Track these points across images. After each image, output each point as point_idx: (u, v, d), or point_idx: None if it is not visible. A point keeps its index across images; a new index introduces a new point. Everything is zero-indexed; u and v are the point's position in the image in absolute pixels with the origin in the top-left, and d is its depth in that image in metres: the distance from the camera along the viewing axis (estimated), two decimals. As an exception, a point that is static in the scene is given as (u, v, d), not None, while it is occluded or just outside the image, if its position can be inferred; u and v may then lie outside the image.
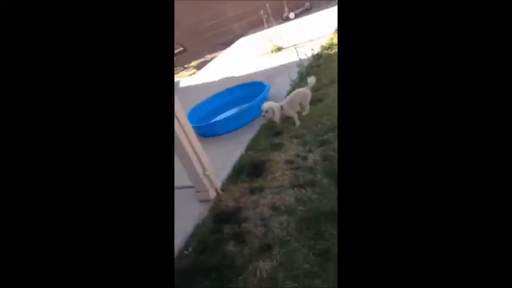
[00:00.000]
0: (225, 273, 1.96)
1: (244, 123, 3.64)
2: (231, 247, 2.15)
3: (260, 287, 1.80)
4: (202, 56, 9.06)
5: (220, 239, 2.25)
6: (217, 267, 2.02)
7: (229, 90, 4.56)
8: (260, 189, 2.58)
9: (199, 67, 8.21)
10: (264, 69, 5.32)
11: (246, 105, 3.78)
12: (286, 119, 3.39)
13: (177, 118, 2.45)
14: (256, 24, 9.31)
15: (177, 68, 8.69)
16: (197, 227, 2.46)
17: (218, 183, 2.73)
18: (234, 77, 5.66)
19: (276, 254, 1.96)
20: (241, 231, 2.24)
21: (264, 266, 1.91)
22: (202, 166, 2.60)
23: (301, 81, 4.12)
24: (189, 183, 2.80)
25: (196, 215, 2.57)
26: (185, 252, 2.26)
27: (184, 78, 7.38)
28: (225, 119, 3.70)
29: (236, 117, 3.65)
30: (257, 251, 2.04)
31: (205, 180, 2.62)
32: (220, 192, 2.71)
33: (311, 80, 3.37)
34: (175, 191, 2.92)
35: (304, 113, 3.35)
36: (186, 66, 8.80)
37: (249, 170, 2.84)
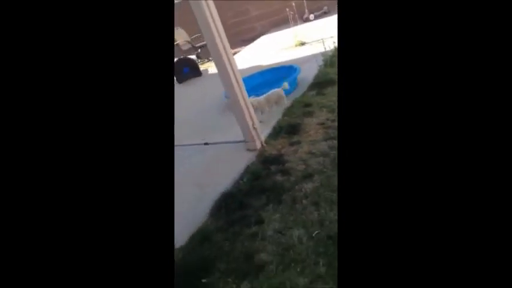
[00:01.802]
0: (277, 192, 2.54)
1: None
2: (278, 177, 2.73)
3: (306, 198, 2.38)
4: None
5: (269, 173, 2.83)
6: (270, 189, 2.60)
7: (260, 74, 5.15)
8: (298, 143, 3.17)
9: (223, 59, 8.83)
10: (290, 59, 5.92)
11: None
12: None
13: (237, 82, 3.05)
14: (277, 24, 9.96)
15: (203, 60, 9.32)
16: (248, 167, 3.04)
17: (263, 137, 3.32)
18: (261, 65, 6.25)
19: (316, 179, 2.54)
20: (286, 168, 2.82)
21: (308, 186, 2.49)
22: (251, 120, 3.19)
23: (326, 66, 4.72)
24: (238, 139, 3.40)
25: (246, 159, 3.15)
26: (241, 181, 2.84)
27: (212, 67, 7.99)
28: (262, 93, 4.28)
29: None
30: (300, 178, 2.62)
31: (253, 132, 3.21)
32: (264, 144, 3.29)
33: (284, 84, 4.00)
34: (228, 145, 3.54)
35: (281, 107, 3.95)
36: (210, 58, 9.44)
37: (287, 129, 3.44)
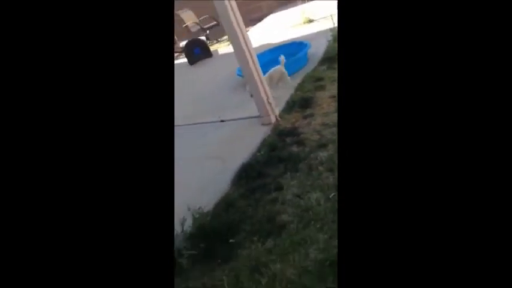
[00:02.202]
0: (293, 161, 2.69)
1: (290, 73, 4.33)
2: (294, 148, 2.87)
3: (321, 164, 2.52)
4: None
5: (284, 144, 2.98)
6: (286, 158, 2.75)
7: (270, 51, 5.22)
8: (311, 115, 3.28)
9: (232, 40, 8.85)
10: (299, 36, 5.95)
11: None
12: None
13: (251, 58, 3.15)
14: (283, 3, 9.87)
15: (211, 41, 9.34)
16: (264, 140, 3.18)
17: (277, 112, 3.45)
18: (270, 43, 6.29)
19: (330, 148, 2.68)
20: (301, 139, 2.96)
21: (322, 154, 2.63)
22: (266, 94, 3.31)
23: (335, 42, 4.76)
24: (253, 115, 3.54)
25: (262, 133, 3.30)
26: (258, 153, 3.00)
27: (222, 48, 8.05)
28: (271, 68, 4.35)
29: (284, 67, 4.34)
30: (315, 148, 2.76)
31: (267, 107, 3.34)
32: (279, 118, 3.42)
33: (281, 58, 3.89)
34: (243, 121, 3.68)
35: (287, 85, 3.90)
36: (219, 39, 9.46)
37: (300, 103, 3.55)
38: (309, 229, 1.99)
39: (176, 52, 9.39)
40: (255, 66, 3.21)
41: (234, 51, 3.22)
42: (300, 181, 2.45)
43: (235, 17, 3.00)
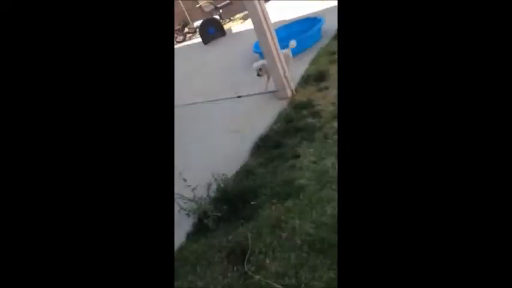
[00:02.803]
0: (309, 131, 2.81)
1: (304, 48, 4.39)
2: (310, 119, 2.99)
3: (336, 133, 2.64)
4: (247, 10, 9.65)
5: (300, 116, 3.10)
6: (303, 129, 2.88)
7: (285, 27, 5.26)
8: (326, 88, 3.38)
9: (245, 18, 8.85)
10: (313, 12, 5.94)
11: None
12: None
13: (270, 33, 3.24)
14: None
15: (224, 20, 9.36)
16: (280, 113, 3.31)
17: (292, 86, 3.55)
18: (284, 19, 6.31)
19: (345, 118, 2.78)
20: (316, 111, 3.07)
21: (337, 124, 2.74)
22: (283, 69, 3.41)
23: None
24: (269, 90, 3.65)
25: (278, 107, 3.42)
26: (274, 126, 3.13)
27: (235, 26, 8.08)
28: (286, 45, 4.43)
29: (298, 42, 4.40)
30: (330, 119, 2.87)
31: (284, 81, 3.45)
32: (295, 92, 3.53)
33: (292, 43, 3.85)
34: (260, 96, 3.80)
35: (290, 68, 3.72)
36: (232, 18, 9.47)
37: (314, 77, 3.64)
38: (325, 190, 2.14)
39: (189, 33, 9.48)
40: (273, 41, 3.30)
41: (254, 26, 3.30)
42: (316, 149, 2.58)
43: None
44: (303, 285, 1.65)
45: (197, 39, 8.32)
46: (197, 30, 9.07)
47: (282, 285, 1.69)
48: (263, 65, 3.66)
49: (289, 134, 2.91)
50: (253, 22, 3.29)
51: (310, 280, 1.66)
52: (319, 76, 3.61)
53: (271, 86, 3.62)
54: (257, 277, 1.78)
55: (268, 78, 3.74)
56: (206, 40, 7.36)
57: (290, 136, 2.88)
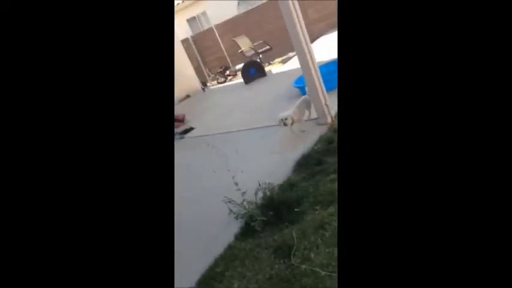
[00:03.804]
0: (350, 150, 3.03)
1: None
2: (350, 141, 3.22)
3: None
4: (285, 54, 10.35)
5: (341, 139, 3.34)
6: (343, 148, 3.11)
7: (325, 65, 5.67)
8: (365, 115, 3.63)
9: (283, 62, 9.50)
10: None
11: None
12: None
13: (313, 65, 3.63)
14: (333, 26, 10.42)
15: (264, 64, 10.07)
16: (321, 136, 3.57)
17: (332, 113, 3.84)
18: (323, 60, 6.76)
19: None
20: (356, 134, 3.30)
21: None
22: (324, 98, 3.73)
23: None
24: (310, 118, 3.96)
25: (319, 131, 3.69)
26: (315, 147, 3.38)
27: (275, 68, 8.69)
28: (326, 80, 4.79)
29: (336, 79, 4.76)
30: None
31: (325, 108, 3.75)
32: (334, 119, 3.81)
33: (308, 92, 3.95)
34: (307, 122, 4.09)
35: (312, 116, 4.01)
36: (271, 62, 10.17)
37: (354, 106, 3.92)
38: (366, 197, 2.31)
39: (230, 75, 10.24)
40: (316, 74, 3.67)
41: (298, 59, 3.70)
42: (357, 165, 2.78)
43: (301, 26, 3.51)
44: (347, 273, 1.80)
45: (238, 80, 8.98)
46: (238, 72, 9.83)
47: (327, 274, 1.84)
48: (289, 116, 3.74)
49: (330, 153, 3.14)
50: (299, 57, 3.70)
51: (354, 269, 1.80)
52: (358, 105, 3.88)
53: (312, 115, 3.93)
54: (303, 266, 1.95)
55: (292, 125, 3.82)
56: (247, 80, 7.95)
57: (330, 155, 3.11)
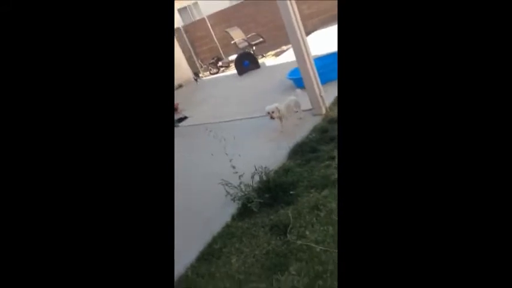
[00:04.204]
0: (343, 139, 3.19)
1: (335, 78, 4.89)
2: (344, 130, 3.38)
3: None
4: (279, 47, 10.47)
5: (334, 128, 3.48)
6: (336, 137, 3.26)
7: (319, 59, 5.81)
8: (358, 107, 3.79)
9: (277, 55, 9.62)
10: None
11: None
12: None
13: (308, 58, 3.77)
14: (326, 22, 10.59)
15: (257, 56, 10.17)
16: (315, 126, 3.72)
17: (327, 104, 3.99)
18: (317, 55, 6.91)
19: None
20: (349, 124, 3.46)
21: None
22: (318, 89, 3.88)
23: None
24: (305, 109, 4.10)
25: (314, 121, 3.83)
26: (310, 136, 3.53)
27: (268, 60, 8.80)
28: (321, 73, 4.94)
29: (332, 71, 4.91)
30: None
31: (319, 99, 3.89)
32: (329, 110, 3.96)
33: (298, 91, 4.15)
34: (296, 113, 4.23)
35: (301, 116, 4.08)
36: (264, 55, 10.28)
37: (347, 98, 4.08)
38: (359, 181, 2.47)
39: (223, 66, 10.32)
40: (311, 65, 3.81)
41: (294, 51, 3.83)
42: (350, 152, 2.93)
43: (297, 20, 3.64)
44: (341, 247, 1.94)
45: (231, 71, 9.06)
46: (231, 64, 9.91)
47: (322, 250, 1.99)
48: (276, 108, 3.80)
49: (325, 141, 3.29)
50: (294, 50, 3.82)
51: (347, 244, 1.95)
52: (352, 97, 4.04)
53: (306, 106, 4.07)
54: (299, 242, 2.09)
55: (281, 121, 3.92)
56: (241, 72, 8.04)
57: (325, 143, 3.25)
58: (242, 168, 2.86)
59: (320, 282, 1.78)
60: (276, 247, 2.16)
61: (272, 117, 3.82)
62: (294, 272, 1.91)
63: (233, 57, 9.16)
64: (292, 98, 4.08)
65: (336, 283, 1.73)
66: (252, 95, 5.95)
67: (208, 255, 2.32)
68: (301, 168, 2.98)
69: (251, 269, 2.07)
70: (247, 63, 8.10)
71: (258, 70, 8.03)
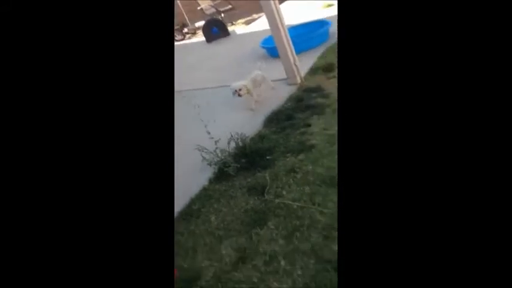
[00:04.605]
0: (319, 107, 3.41)
1: (312, 46, 5.09)
2: (319, 99, 3.60)
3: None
4: (250, 15, 10.46)
5: (310, 97, 3.70)
6: (313, 106, 3.48)
7: (293, 28, 5.96)
8: (333, 77, 4.02)
9: (247, 23, 9.63)
10: (318, 18, 6.70)
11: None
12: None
13: (282, 27, 3.91)
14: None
15: (226, 24, 10.13)
16: (290, 95, 3.91)
17: (302, 74, 4.19)
18: (290, 24, 7.04)
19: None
20: (325, 93, 3.69)
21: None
22: (293, 57, 4.05)
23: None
24: (279, 78, 4.27)
25: (289, 91, 4.03)
26: (286, 104, 3.72)
27: (238, 28, 8.81)
28: (295, 42, 5.10)
29: (306, 40, 5.10)
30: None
31: (294, 68, 4.08)
32: (303, 80, 4.16)
33: (260, 64, 4.26)
34: (275, 82, 4.39)
35: (272, 87, 4.21)
36: (234, 22, 10.24)
37: (323, 68, 4.30)
38: (335, 146, 2.71)
39: (189, 33, 10.18)
40: (285, 34, 3.96)
41: (267, 19, 3.96)
42: (326, 120, 3.17)
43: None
44: (316, 204, 2.19)
45: (198, 39, 8.99)
46: (197, 31, 9.80)
47: (299, 206, 2.22)
48: (243, 85, 3.83)
49: (300, 110, 3.50)
50: (268, 17, 3.94)
51: (323, 202, 2.19)
52: (327, 67, 4.26)
53: (280, 76, 4.24)
54: (276, 201, 2.31)
55: (252, 97, 3.95)
56: (210, 39, 8.03)
57: (301, 111, 3.47)
58: (218, 135, 3.01)
59: (297, 234, 2.02)
60: (254, 206, 2.37)
61: (240, 95, 3.85)
62: (272, 227, 2.13)
63: (200, 23, 9.07)
64: (258, 72, 4.12)
65: (313, 235, 1.97)
66: (223, 63, 6.03)
67: (187, 215, 2.50)
68: (277, 135, 3.19)
69: (230, 225, 2.27)
70: (216, 30, 8.08)
71: (228, 38, 8.05)
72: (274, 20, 3.92)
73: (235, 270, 1.94)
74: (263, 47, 5.57)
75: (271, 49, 5.21)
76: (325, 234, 1.95)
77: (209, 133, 2.92)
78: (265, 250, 1.99)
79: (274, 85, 4.30)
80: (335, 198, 2.18)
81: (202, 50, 7.51)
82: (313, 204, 2.20)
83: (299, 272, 1.79)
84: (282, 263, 1.88)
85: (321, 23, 5.64)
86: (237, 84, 3.87)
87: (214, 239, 2.22)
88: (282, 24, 3.99)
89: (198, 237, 2.28)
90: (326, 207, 2.13)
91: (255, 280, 1.85)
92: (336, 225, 1.97)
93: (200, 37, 8.65)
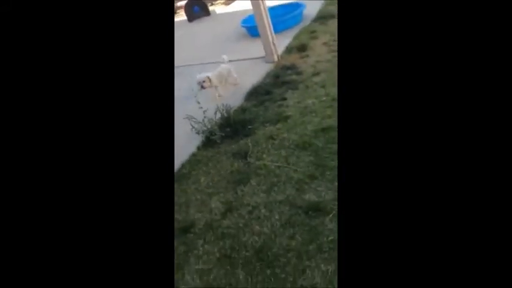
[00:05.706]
0: (294, 83, 3.70)
1: (287, 27, 5.32)
2: (294, 76, 3.88)
3: (316, 84, 3.55)
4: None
5: (286, 74, 3.98)
6: (288, 82, 3.76)
7: (271, 9, 6.14)
8: (307, 56, 4.30)
9: (227, 3, 9.68)
10: (293, 0, 6.89)
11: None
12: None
13: (263, 6, 4.11)
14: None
15: (207, 3, 10.12)
16: (268, 72, 4.18)
17: (279, 52, 4.44)
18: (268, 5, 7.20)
19: (322, 75, 3.71)
20: (299, 71, 3.97)
21: (316, 79, 3.65)
22: (271, 36, 4.29)
23: (327, 4, 5.76)
24: (257, 56, 4.51)
25: (266, 68, 4.29)
26: (263, 81, 3.99)
27: (218, 8, 8.88)
28: (272, 23, 5.31)
29: (283, 22, 5.32)
30: (311, 75, 3.78)
31: (272, 47, 4.33)
32: (280, 58, 4.42)
33: (224, 57, 4.10)
34: (249, 61, 4.62)
35: (236, 83, 4.10)
36: (214, 2, 10.25)
37: (297, 48, 4.56)
38: (307, 117, 3.03)
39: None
40: (265, 14, 4.18)
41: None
42: (300, 94, 3.47)
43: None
44: (291, 164, 2.51)
45: (179, 18, 9.00)
46: (178, 10, 9.76)
47: (276, 166, 2.54)
48: (207, 77, 3.76)
49: (277, 85, 3.78)
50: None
51: (296, 162, 2.52)
52: (301, 47, 4.53)
53: (258, 54, 4.47)
54: (257, 162, 2.62)
55: (216, 88, 3.90)
56: (190, 18, 8.08)
57: (278, 87, 3.75)
58: (203, 107, 3.26)
59: (275, 188, 2.34)
60: (238, 168, 2.67)
61: (203, 87, 3.77)
62: (254, 183, 2.45)
63: (182, 3, 9.05)
64: (224, 66, 4.05)
65: (288, 188, 2.30)
66: (205, 42, 6.18)
67: (179, 177, 2.78)
68: (257, 108, 3.47)
69: (218, 184, 2.58)
70: (197, 9, 8.13)
71: (209, 17, 8.14)
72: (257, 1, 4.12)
73: (223, 219, 2.26)
74: (243, 26, 5.75)
75: (251, 28, 5.42)
76: (297, 187, 2.29)
77: (199, 102, 3.17)
78: (248, 202, 2.31)
79: (253, 63, 4.54)
80: (306, 159, 2.52)
81: (183, 29, 7.58)
82: (288, 164, 2.52)
83: (276, 217, 2.13)
84: (263, 211, 2.20)
85: (296, 5, 5.85)
86: (201, 76, 3.80)
87: (204, 195, 2.52)
88: (264, 4, 4.19)
89: (189, 194, 2.57)
90: (299, 167, 2.46)
91: (241, 225, 2.17)
92: (307, 180, 2.31)
93: (182, 16, 8.67)
